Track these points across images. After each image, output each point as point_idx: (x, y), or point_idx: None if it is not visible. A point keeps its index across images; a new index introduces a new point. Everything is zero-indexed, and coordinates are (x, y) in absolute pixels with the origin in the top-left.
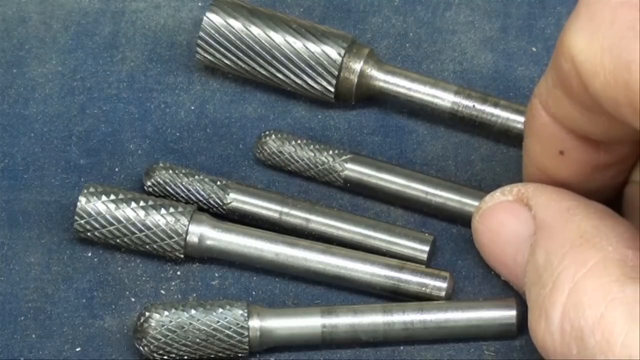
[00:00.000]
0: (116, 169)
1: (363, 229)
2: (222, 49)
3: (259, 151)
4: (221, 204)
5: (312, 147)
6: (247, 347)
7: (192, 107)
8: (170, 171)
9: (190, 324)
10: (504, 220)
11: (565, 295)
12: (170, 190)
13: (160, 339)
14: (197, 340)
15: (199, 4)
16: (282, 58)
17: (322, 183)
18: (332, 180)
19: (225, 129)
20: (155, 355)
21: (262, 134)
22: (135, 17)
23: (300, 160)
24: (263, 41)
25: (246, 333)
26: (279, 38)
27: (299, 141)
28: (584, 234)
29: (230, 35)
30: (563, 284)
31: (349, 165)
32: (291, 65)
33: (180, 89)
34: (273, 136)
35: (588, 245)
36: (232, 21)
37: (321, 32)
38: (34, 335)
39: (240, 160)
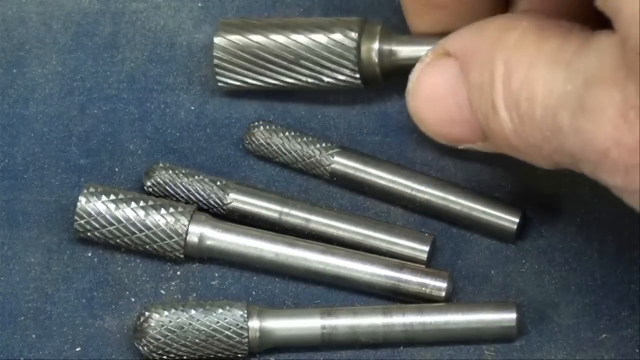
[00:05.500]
0: (116, 169)
1: (363, 229)
2: (240, 70)
3: (247, 142)
4: (221, 204)
5: (300, 139)
6: (246, 347)
7: (192, 107)
8: (170, 171)
9: (190, 324)
10: (432, 82)
11: (500, 80)
12: (170, 190)
13: (159, 339)
14: (197, 340)
15: (199, 5)
16: (302, 61)
17: (321, 182)
18: (320, 174)
19: (225, 129)
20: (154, 355)
21: (251, 125)
22: (135, 18)
23: (288, 153)
24: (278, 51)
25: (246, 334)
26: (292, 43)
27: (287, 133)
28: (489, 31)
29: (245, 54)
30: (493, 73)
31: (336, 159)
32: (312, 65)
33: (180, 89)
34: (261, 127)
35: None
36: (242, 40)
37: (329, 23)
38: (34, 335)
39: (240, 160)
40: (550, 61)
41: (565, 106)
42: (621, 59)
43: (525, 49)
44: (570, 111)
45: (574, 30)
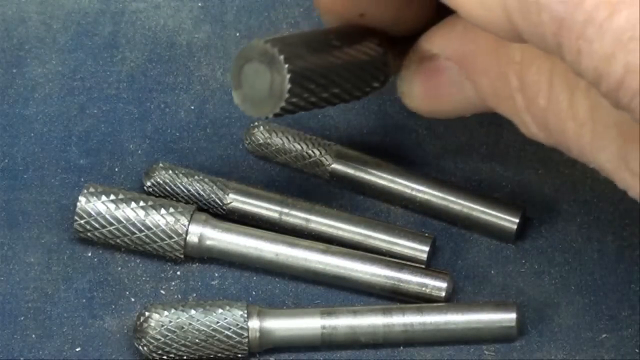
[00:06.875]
0: (116, 169)
1: (363, 229)
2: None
3: (247, 142)
4: (221, 204)
5: (300, 139)
6: (246, 347)
7: (192, 107)
8: (170, 171)
9: (190, 324)
10: (431, 84)
11: (519, 95)
12: (170, 190)
13: (159, 339)
14: (197, 340)
15: (199, 4)
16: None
17: (321, 182)
18: (320, 174)
19: (225, 129)
20: (154, 355)
21: (251, 125)
22: (135, 17)
23: (288, 153)
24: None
25: (246, 334)
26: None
27: (287, 133)
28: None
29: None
30: (509, 86)
31: (336, 159)
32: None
33: (180, 89)
34: (261, 127)
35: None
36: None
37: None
38: (34, 335)
39: (240, 160)
40: (568, 82)
41: (604, 153)
42: None
43: (537, 66)
44: (609, 158)
45: None
